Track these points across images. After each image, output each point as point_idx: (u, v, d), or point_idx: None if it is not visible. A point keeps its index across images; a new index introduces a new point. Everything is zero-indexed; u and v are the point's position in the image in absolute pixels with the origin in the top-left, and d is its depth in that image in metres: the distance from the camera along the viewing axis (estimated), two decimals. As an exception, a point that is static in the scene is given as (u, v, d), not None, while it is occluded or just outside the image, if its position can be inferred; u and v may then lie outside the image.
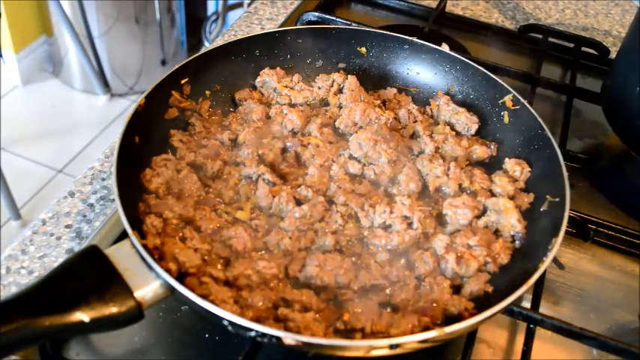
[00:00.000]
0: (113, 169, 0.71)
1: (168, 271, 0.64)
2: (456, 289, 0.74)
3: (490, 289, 0.73)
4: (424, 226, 0.78)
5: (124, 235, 0.66)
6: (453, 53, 0.98)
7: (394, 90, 1.00)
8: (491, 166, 0.89)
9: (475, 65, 0.96)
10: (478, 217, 0.81)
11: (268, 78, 0.95)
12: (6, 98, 3.02)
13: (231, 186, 0.81)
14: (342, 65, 1.02)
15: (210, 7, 3.34)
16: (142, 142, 0.80)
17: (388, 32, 1.01)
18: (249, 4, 1.31)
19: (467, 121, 0.93)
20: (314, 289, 0.70)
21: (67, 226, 0.85)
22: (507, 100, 0.92)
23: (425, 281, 0.73)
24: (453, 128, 0.93)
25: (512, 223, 0.78)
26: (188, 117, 0.89)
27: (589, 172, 1.01)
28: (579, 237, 0.91)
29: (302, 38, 0.99)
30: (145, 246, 0.65)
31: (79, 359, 0.71)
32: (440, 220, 0.81)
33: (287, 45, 0.99)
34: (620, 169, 1.03)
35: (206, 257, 0.72)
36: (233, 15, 3.22)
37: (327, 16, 1.22)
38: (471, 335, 0.74)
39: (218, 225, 0.76)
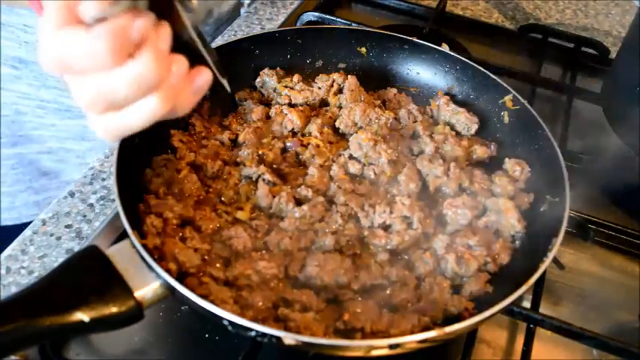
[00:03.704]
0: (113, 169, 0.71)
1: (168, 271, 0.64)
2: (456, 289, 0.74)
3: (490, 289, 0.73)
4: (424, 226, 0.78)
5: (124, 235, 0.66)
6: (453, 53, 0.98)
7: (394, 90, 0.99)
8: (491, 166, 0.89)
9: (475, 65, 0.96)
10: (478, 217, 0.81)
11: (268, 78, 0.95)
12: (6, 98, 3.01)
13: (231, 186, 0.81)
14: (342, 65, 1.02)
15: (210, 7, 3.33)
16: (142, 142, 0.79)
17: (388, 32, 1.01)
18: (249, 4, 1.30)
19: (467, 121, 0.93)
20: (314, 289, 0.70)
21: (67, 226, 0.85)
22: (507, 100, 0.92)
23: (425, 281, 0.73)
24: (453, 128, 0.93)
25: (512, 223, 0.78)
26: (188, 117, 0.89)
27: (589, 172, 1.01)
28: (579, 237, 0.91)
29: (302, 38, 0.99)
30: (144, 246, 0.65)
31: (79, 359, 0.71)
32: (440, 220, 0.81)
33: (287, 45, 0.99)
34: (620, 169, 1.03)
35: (206, 257, 0.72)
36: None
37: (327, 16, 1.22)
38: (471, 335, 0.74)
39: (218, 225, 0.76)
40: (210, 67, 0.58)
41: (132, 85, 0.51)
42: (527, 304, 0.79)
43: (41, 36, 0.50)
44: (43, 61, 0.51)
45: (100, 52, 0.49)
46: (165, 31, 0.53)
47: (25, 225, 1.13)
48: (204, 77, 0.57)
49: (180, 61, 0.55)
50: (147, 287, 0.63)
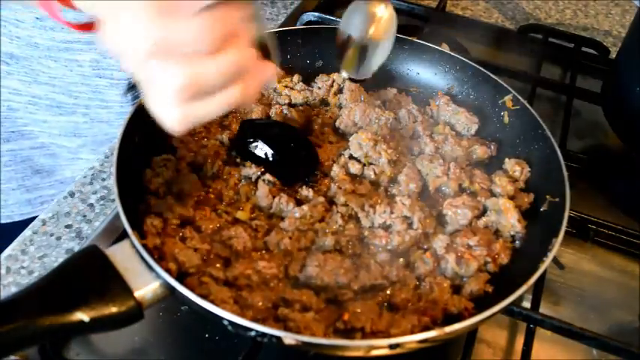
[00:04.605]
0: (113, 169, 0.71)
1: (168, 271, 0.64)
2: (456, 289, 0.74)
3: (490, 289, 0.73)
4: (424, 226, 0.78)
5: (124, 235, 0.66)
6: (453, 53, 0.98)
7: (394, 90, 0.99)
8: (491, 166, 0.89)
9: (475, 65, 0.96)
10: (478, 217, 0.81)
11: (268, 78, 0.95)
12: (6, 98, 3.01)
13: (231, 186, 0.81)
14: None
15: (210, 7, 3.33)
16: (142, 142, 0.80)
17: (388, 32, 1.01)
18: (249, 4, 1.30)
19: (467, 121, 0.93)
20: (314, 289, 0.70)
21: (67, 226, 0.85)
22: (507, 100, 0.92)
23: (425, 281, 0.73)
24: (453, 128, 0.93)
25: (512, 223, 0.78)
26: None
27: (589, 172, 1.01)
28: (579, 237, 0.91)
29: (302, 38, 0.99)
30: (145, 246, 0.65)
31: (79, 359, 0.71)
32: (440, 220, 0.81)
33: (287, 45, 0.99)
34: (620, 169, 1.03)
35: (206, 257, 0.72)
36: (233, 15, 3.21)
37: (327, 16, 1.22)
38: (471, 335, 0.74)
39: (218, 225, 0.76)
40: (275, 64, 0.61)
41: (223, 73, 0.53)
42: (527, 304, 0.79)
43: (141, 22, 0.51)
44: (139, 46, 0.52)
45: (206, 37, 0.51)
46: (252, 26, 0.56)
47: (17, 223, 1.13)
48: (270, 71, 0.59)
49: (255, 54, 0.57)
50: (147, 287, 0.63)
